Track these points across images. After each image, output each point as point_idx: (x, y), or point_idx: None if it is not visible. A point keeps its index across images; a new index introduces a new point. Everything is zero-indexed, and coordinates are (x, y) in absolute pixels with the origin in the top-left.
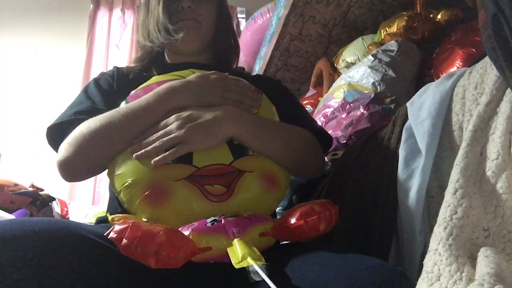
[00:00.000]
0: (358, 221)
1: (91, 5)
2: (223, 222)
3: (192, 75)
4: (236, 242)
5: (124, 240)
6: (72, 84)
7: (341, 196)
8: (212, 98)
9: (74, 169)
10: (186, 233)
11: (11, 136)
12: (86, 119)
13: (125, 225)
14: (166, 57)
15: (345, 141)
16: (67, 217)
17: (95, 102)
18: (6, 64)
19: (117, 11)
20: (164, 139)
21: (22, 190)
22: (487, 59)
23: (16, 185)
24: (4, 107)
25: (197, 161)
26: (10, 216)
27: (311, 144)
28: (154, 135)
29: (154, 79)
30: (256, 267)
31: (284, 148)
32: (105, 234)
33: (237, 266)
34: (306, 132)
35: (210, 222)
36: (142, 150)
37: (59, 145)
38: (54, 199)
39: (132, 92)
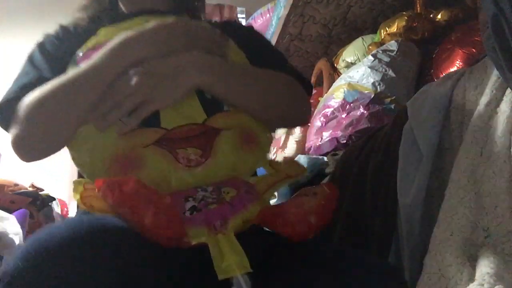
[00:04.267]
0: (358, 221)
1: None
2: (203, 211)
3: (148, 24)
4: (220, 240)
5: (124, 191)
6: None
7: (341, 196)
8: (173, 47)
9: (29, 147)
10: None
11: None
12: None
13: (124, 179)
14: (120, 4)
15: (345, 141)
16: (67, 217)
17: (42, 71)
18: (6, 64)
19: None
20: (124, 101)
21: (22, 190)
22: (487, 59)
23: (16, 185)
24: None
25: (166, 122)
26: (10, 216)
27: (294, 88)
28: (112, 98)
29: (103, 33)
30: (241, 280)
31: (263, 97)
32: (97, 180)
33: (220, 277)
34: (285, 75)
35: (189, 210)
36: (102, 119)
37: (10, 125)
38: (54, 199)
39: (80, 53)
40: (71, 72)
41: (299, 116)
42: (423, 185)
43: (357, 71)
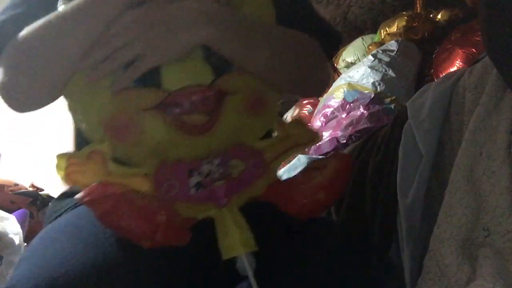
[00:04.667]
0: (358, 221)
1: None
2: (209, 188)
3: None
4: (225, 215)
5: (110, 213)
6: None
7: (341, 196)
8: None
9: (18, 95)
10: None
11: (11, 136)
12: (22, 26)
13: (107, 191)
14: None
15: (345, 141)
16: None
17: (32, 4)
18: None
19: None
20: (118, 51)
21: (22, 190)
22: (487, 59)
23: (16, 185)
24: (4, 107)
25: (168, 83)
26: (10, 216)
27: (312, 53)
28: (106, 46)
29: None
30: (244, 261)
31: (275, 59)
32: (78, 197)
33: (225, 257)
34: (305, 37)
35: (194, 186)
36: (93, 69)
37: None
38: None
39: None
40: (61, 9)
41: (314, 84)
42: (423, 185)
43: (357, 71)
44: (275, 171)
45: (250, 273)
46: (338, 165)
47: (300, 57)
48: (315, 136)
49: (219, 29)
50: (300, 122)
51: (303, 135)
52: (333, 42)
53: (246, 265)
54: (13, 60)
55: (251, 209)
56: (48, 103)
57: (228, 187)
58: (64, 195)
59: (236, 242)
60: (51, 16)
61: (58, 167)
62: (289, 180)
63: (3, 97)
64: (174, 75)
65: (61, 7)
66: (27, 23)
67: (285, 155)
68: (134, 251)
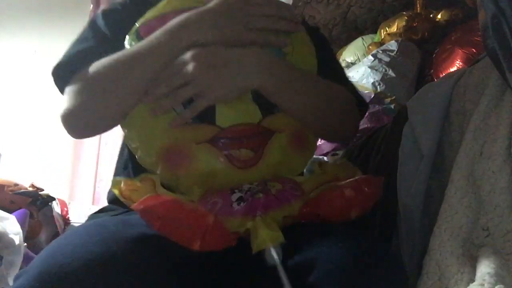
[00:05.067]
0: (358, 221)
1: (91, 5)
2: (250, 201)
3: (211, 2)
4: (257, 221)
5: (162, 218)
6: None
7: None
8: (232, 30)
9: (81, 120)
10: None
11: (11, 136)
12: (94, 58)
13: (159, 200)
14: None
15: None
16: (67, 217)
17: (102, 39)
18: (6, 64)
19: None
20: (180, 90)
21: (22, 190)
22: (487, 59)
23: (16, 185)
24: (4, 107)
25: (221, 120)
26: (10, 216)
27: (349, 105)
28: (168, 81)
29: (165, 3)
30: (272, 251)
31: (318, 107)
32: (133, 206)
33: (254, 250)
34: (344, 90)
35: (236, 201)
36: (156, 103)
37: (65, 88)
38: (54, 199)
39: (143, 20)
40: (130, 48)
41: (346, 134)
42: (423, 185)
43: (357, 71)
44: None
45: (278, 262)
46: (367, 176)
47: (339, 108)
48: (355, 171)
49: (270, 79)
50: (341, 162)
51: (342, 170)
52: (363, 103)
53: (274, 254)
54: (82, 88)
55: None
56: (105, 130)
57: (266, 200)
58: (99, 211)
59: (264, 238)
60: (120, 52)
61: (113, 185)
62: (318, 192)
63: (65, 122)
64: (227, 113)
65: (129, 41)
66: (95, 57)
67: (324, 187)
68: (148, 250)
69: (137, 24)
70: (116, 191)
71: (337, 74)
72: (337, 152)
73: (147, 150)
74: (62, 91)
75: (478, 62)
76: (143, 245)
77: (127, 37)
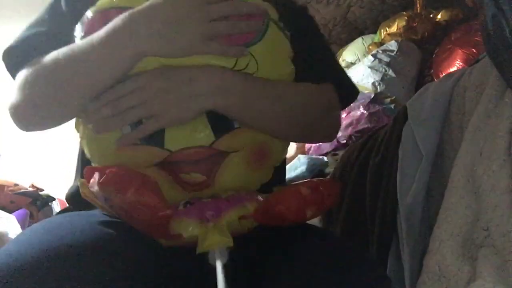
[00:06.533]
0: (358, 221)
1: None
2: (196, 204)
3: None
4: (210, 228)
5: (108, 170)
6: None
7: (341, 196)
8: (184, 41)
9: (24, 118)
10: None
11: (11, 136)
12: (47, 43)
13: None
14: None
15: (345, 141)
16: None
17: (57, 24)
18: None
19: None
20: (129, 111)
21: (22, 190)
22: (487, 59)
23: (16, 185)
24: (4, 107)
25: (170, 143)
26: (10, 216)
27: (328, 107)
28: (115, 102)
29: None
30: (216, 252)
31: (288, 118)
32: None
33: (198, 251)
34: (320, 88)
35: (183, 204)
36: (101, 122)
37: (15, 73)
38: (54, 199)
39: (90, 13)
40: (76, 46)
41: (324, 135)
42: (423, 185)
43: (357, 71)
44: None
45: (218, 265)
46: (326, 179)
47: (310, 111)
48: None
49: (226, 98)
50: (309, 183)
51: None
52: (349, 94)
53: (217, 256)
54: (31, 84)
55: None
56: (53, 127)
57: (215, 202)
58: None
59: (212, 243)
60: (63, 50)
61: (81, 186)
62: (273, 192)
63: (14, 115)
64: (176, 136)
65: (78, 38)
66: (48, 42)
67: (279, 187)
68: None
69: (88, 14)
70: (85, 190)
71: (323, 63)
72: (337, 152)
73: (94, 159)
74: (13, 76)
75: (478, 62)
76: (95, 234)
77: (76, 27)
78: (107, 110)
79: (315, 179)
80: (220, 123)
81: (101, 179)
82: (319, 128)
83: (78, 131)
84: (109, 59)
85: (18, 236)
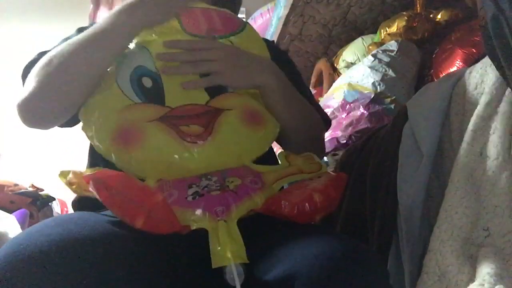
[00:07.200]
0: (358, 221)
1: (91, 5)
2: (205, 196)
3: None
4: (220, 226)
5: (111, 188)
6: None
7: (341, 196)
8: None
9: (36, 109)
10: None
11: (11, 136)
12: None
13: (111, 173)
14: None
15: (345, 141)
16: None
17: None
18: (6, 65)
19: None
20: (205, 63)
21: (22, 190)
22: (487, 59)
23: (16, 185)
24: (4, 107)
25: (170, 101)
26: (10, 216)
27: (318, 125)
28: (190, 54)
29: None
30: (233, 271)
31: (298, 118)
32: (84, 176)
33: (214, 265)
34: (314, 110)
35: (192, 195)
36: (173, 66)
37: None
38: (54, 199)
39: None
40: (84, 33)
41: (314, 146)
42: (423, 185)
43: (357, 71)
44: (276, 189)
45: (237, 284)
46: (334, 175)
47: (310, 118)
48: (319, 167)
49: (274, 81)
50: (308, 155)
51: (308, 164)
52: (327, 121)
53: (235, 276)
54: (43, 68)
55: (250, 224)
56: (60, 120)
57: (223, 197)
58: None
59: (226, 252)
60: (75, 38)
61: (61, 175)
62: (284, 189)
63: (24, 109)
64: (175, 95)
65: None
66: None
67: (287, 180)
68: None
69: None
70: (63, 180)
71: (304, 94)
72: (337, 152)
73: (101, 135)
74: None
75: (478, 62)
76: (105, 231)
77: None
78: (183, 56)
79: (326, 182)
80: (214, 88)
81: (104, 198)
82: (313, 136)
83: (80, 116)
84: (120, 28)
85: (29, 228)
